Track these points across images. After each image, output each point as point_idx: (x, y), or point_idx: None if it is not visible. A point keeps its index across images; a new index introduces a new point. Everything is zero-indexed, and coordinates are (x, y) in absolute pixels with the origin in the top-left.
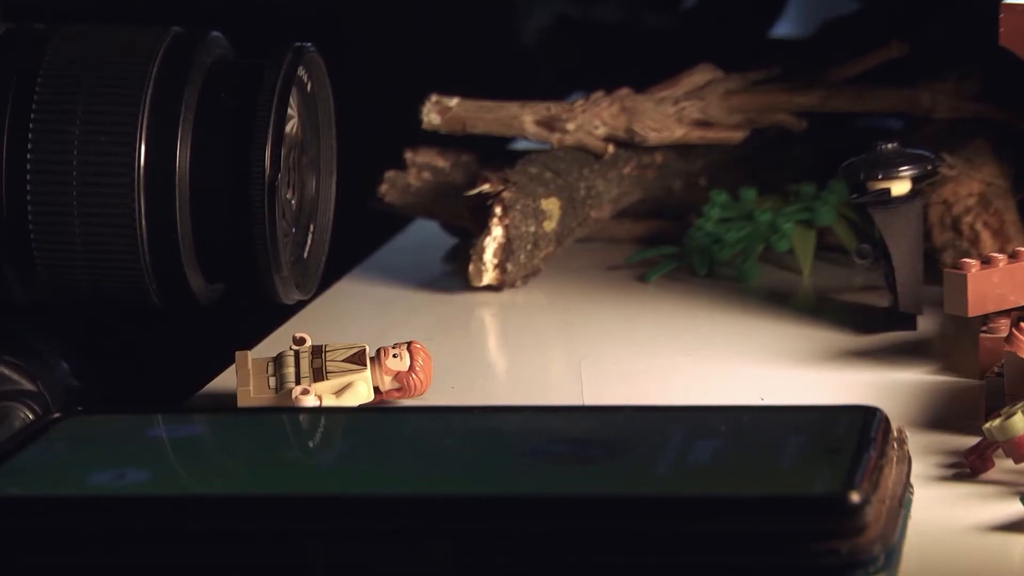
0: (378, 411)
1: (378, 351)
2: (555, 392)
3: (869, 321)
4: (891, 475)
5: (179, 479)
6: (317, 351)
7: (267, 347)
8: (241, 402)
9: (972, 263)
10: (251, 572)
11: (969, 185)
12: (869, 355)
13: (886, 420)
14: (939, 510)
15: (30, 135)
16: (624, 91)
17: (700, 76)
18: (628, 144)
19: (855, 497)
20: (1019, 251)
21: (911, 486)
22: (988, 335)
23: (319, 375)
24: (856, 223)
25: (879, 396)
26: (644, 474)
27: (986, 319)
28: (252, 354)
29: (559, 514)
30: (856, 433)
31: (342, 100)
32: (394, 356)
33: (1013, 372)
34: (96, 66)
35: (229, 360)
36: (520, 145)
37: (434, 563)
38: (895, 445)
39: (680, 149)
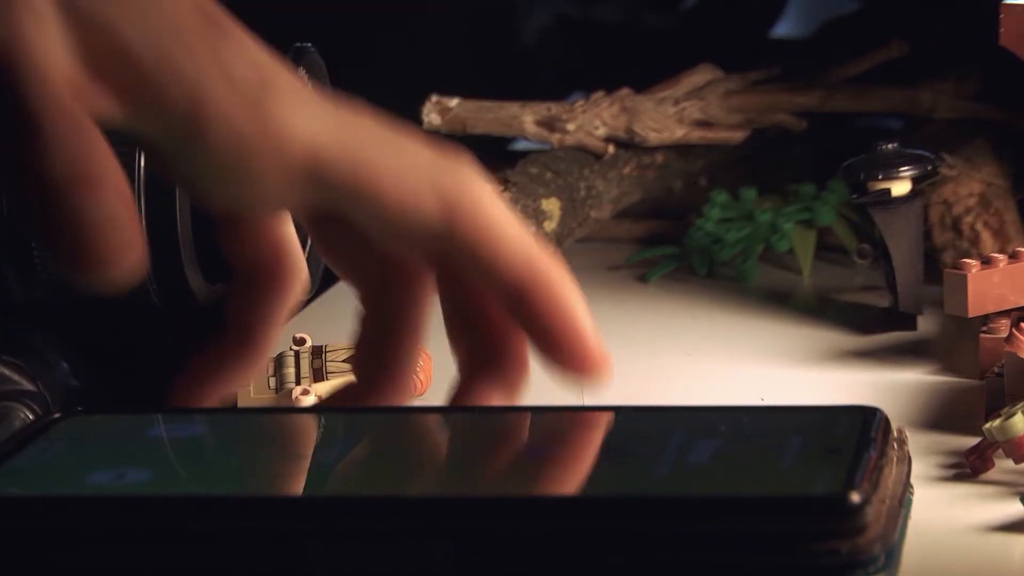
0: (378, 411)
1: None
2: (555, 392)
3: (869, 321)
4: (891, 475)
5: (179, 479)
6: (317, 351)
7: None
8: (241, 402)
9: (972, 263)
10: (251, 572)
11: (969, 185)
12: (869, 355)
13: (886, 420)
14: (939, 510)
15: None
16: (624, 91)
17: (700, 76)
18: (628, 144)
19: (855, 497)
20: (1019, 251)
21: (911, 486)
22: (988, 335)
23: (319, 375)
24: (856, 223)
25: (879, 396)
26: (644, 474)
27: (986, 319)
28: None
29: (559, 514)
30: (856, 433)
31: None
32: None
33: (1013, 372)
34: None
35: None
36: (520, 145)
37: (434, 563)
38: (895, 445)
39: (680, 149)
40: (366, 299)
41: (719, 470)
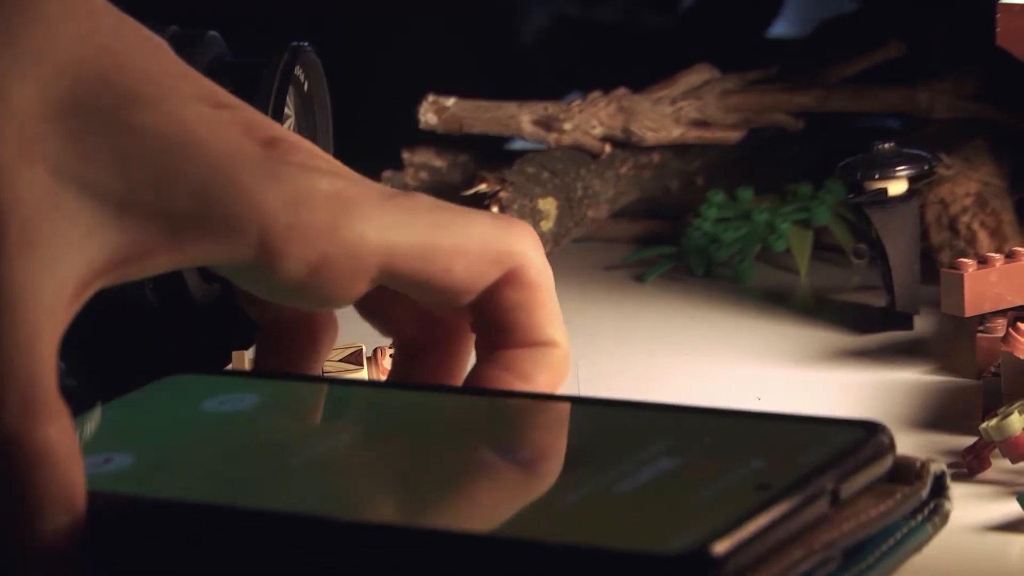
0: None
1: (375, 351)
2: None
3: (866, 321)
4: (845, 518)
5: (157, 474)
6: None
7: None
8: None
9: (969, 263)
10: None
11: (966, 185)
12: (866, 355)
13: (880, 443)
14: None
15: None
16: (621, 91)
17: (697, 76)
18: (625, 144)
19: (708, 556)
20: (1016, 251)
21: (935, 516)
22: (985, 335)
23: None
24: (853, 223)
25: (876, 396)
26: (545, 504)
27: (983, 319)
28: (250, 354)
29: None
30: (817, 461)
31: (339, 100)
32: (391, 356)
33: (1010, 372)
34: None
35: (227, 360)
36: (517, 145)
37: None
38: (887, 475)
39: (677, 149)
40: (405, 347)
41: (622, 504)
